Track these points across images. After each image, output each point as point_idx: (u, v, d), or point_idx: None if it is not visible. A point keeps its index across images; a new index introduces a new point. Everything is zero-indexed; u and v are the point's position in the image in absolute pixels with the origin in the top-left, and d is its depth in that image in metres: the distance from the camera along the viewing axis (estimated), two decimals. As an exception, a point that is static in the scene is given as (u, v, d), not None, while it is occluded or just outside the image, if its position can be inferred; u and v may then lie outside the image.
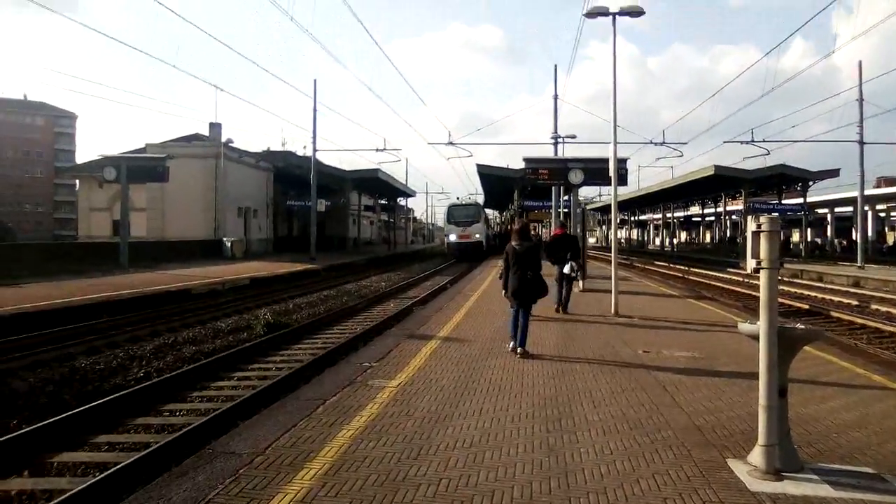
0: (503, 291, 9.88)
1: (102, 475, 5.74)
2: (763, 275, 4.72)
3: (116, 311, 15.72)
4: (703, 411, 6.39)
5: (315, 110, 38.12)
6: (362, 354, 9.60)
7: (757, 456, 4.73)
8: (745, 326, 5.20)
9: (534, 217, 46.80)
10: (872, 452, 5.26)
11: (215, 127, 45.08)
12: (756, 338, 4.82)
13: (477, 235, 45.40)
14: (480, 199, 62.79)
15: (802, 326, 5.27)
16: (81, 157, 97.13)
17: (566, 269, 13.86)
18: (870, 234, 52.32)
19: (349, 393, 7.02)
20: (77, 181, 48.82)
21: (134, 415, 7.93)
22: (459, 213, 47.43)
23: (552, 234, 15.01)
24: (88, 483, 5.54)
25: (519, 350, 9.23)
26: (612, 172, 14.38)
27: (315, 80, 52.15)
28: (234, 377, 10.13)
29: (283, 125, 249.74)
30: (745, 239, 46.67)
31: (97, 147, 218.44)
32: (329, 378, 8.01)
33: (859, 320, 17.34)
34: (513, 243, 9.71)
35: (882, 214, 65.49)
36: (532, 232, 14.29)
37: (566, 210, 29.49)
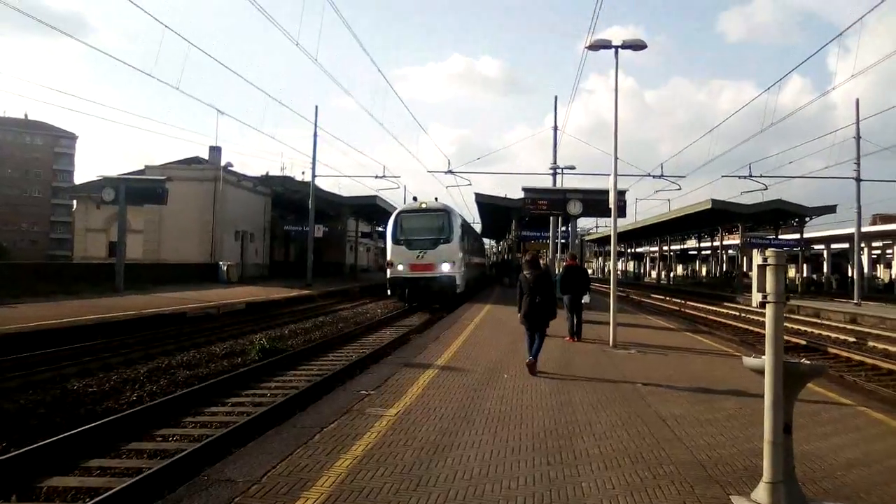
0: (519, 316, 10.64)
1: (93, 502, 5.62)
2: (769, 309, 4.69)
3: (111, 333, 15.59)
4: (704, 446, 6.31)
5: (315, 136, 38.23)
6: (359, 382, 9.50)
7: (761, 493, 4.65)
8: (750, 361, 5.15)
9: (531, 247, 46.15)
10: (879, 492, 5.18)
11: (215, 150, 45.26)
12: (761, 372, 4.77)
13: (445, 266, 25.63)
14: (478, 228, 61.05)
15: (808, 362, 5.22)
16: (80, 177, 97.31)
17: (585, 299, 14.31)
18: (866, 270, 52.43)
19: (346, 421, 6.93)
20: (74, 202, 48.84)
21: (127, 439, 7.80)
22: (414, 226, 26.72)
23: (564, 265, 15.19)
24: (79, 509, 5.41)
25: (529, 359, 10.06)
26: (612, 204, 14.41)
27: (316, 107, 52.57)
28: (228, 403, 9.99)
29: (284, 150, 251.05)
30: (741, 274, 46.76)
31: (96, 168, 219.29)
32: (326, 406, 7.90)
33: (857, 357, 17.29)
34: (525, 273, 10.75)
35: (877, 252, 65.75)
36: (542, 260, 14.76)
37: (564, 241, 29.52)
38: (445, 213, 27.28)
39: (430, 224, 26.67)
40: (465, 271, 28.85)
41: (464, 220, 30.90)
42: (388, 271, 26.33)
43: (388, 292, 27.31)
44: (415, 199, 30.57)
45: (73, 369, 11.77)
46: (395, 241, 26.34)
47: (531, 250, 19.61)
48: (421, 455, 5.78)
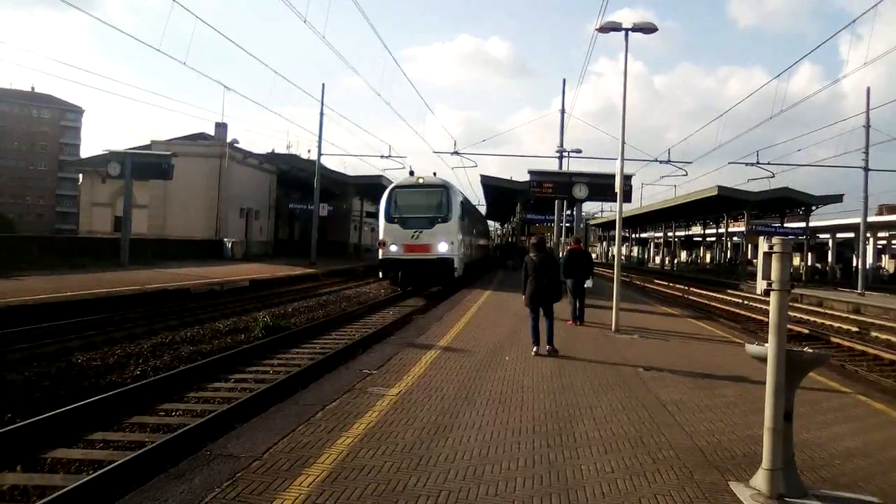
0: (524, 297, 10.77)
1: (96, 473, 5.67)
2: (773, 297, 4.68)
3: (115, 307, 15.66)
4: (704, 432, 6.33)
5: (322, 114, 38.08)
6: (361, 361, 9.53)
7: (760, 480, 4.67)
8: (752, 348, 5.15)
9: (535, 231, 45.79)
10: (878, 481, 5.20)
11: (221, 127, 45.16)
12: (763, 360, 4.77)
13: (443, 246, 23.58)
14: (483, 210, 60.71)
15: (810, 350, 5.22)
16: (86, 151, 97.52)
17: (588, 283, 14.32)
18: (870, 260, 52.27)
19: (348, 400, 6.97)
20: (80, 176, 48.84)
21: (130, 413, 7.86)
22: (410, 203, 24.38)
23: (568, 249, 15.19)
24: (82, 481, 5.46)
25: (548, 348, 10.33)
26: (618, 189, 14.35)
27: (323, 84, 52.16)
28: (231, 379, 10.04)
29: (290, 128, 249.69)
30: (745, 261, 46.61)
31: (102, 142, 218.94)
32: (328, 384, 7.93)
33: (859, 347, 17.28)
34: (531, 255, 10.81)
35: (883, 242, 65.51)
36: (548, 244, 14.78)
37: (569, 224, 29.47)
38: (444, 189, 24.72)
39: (427, 201, 24.30)
40: (466, 253, 26.86)
41: (465, 199, 28.56)
42: (380, 252, 23.96)
43: (380, 275, 25.04)
44: (411, 173, 26.88)
45: (77, 343, 11.84)
46: (389, 219, 24.03)
47: (537, 234, 19.74)
48: (422, 434, 5.81)
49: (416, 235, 23.50)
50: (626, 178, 16.53)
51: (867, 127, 33.65)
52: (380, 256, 23.99)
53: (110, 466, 5.81)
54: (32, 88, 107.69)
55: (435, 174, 26.52)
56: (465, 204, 27.89)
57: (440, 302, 19.70)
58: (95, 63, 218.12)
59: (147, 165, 29.69)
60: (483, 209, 60.01)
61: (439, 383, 7.97)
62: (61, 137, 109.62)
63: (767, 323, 4.80)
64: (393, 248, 23.58)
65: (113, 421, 7.53)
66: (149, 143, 41.89)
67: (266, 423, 6.11)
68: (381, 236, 24.17)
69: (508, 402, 7.20)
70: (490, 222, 72.78)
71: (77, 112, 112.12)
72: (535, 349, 10.34)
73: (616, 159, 14.68)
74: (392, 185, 25.86)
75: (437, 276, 24.32)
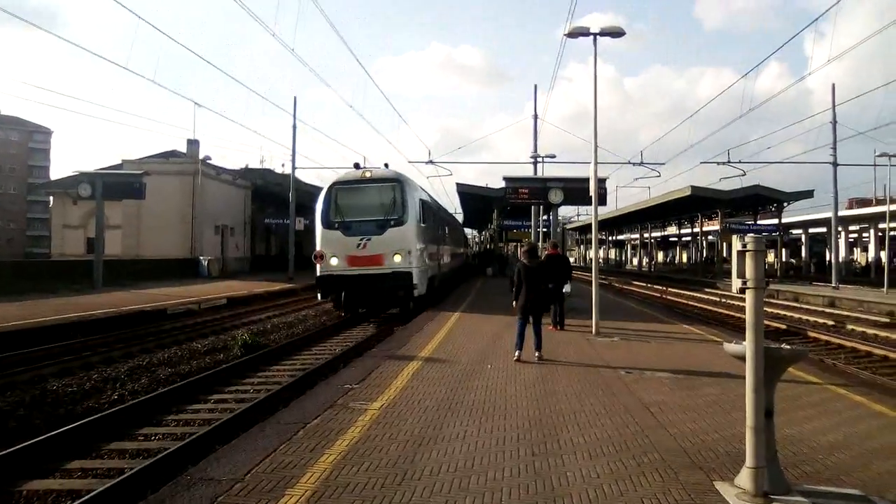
0: (514, 303, 10.75)
1: None
2: (749, 294, 4.71)
3: (90, 331, 15.40)
4: (687, 433, 6.35)
5: (294, 127, 37.99)
6: (343, 376, 9.46)
7: (744, 478, 4.68)
8: (730, 347, 5.18)
9: (513, 237, 45.87)
10: (859, 474, 5.24)
11: (193, 143, 44.79)
12: (742, 358, 4.80)
13: (397, 258, 18.59)
14: (460, 218, 60.58)
15: (788, 347, 5.26)
16: (56, 173, 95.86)
17: (566, 289, 14.37)
18: (843, 254, 53.15)
19: (330, 416, 6.89)
20: (51, 198, 48.12)
21: (108, 439, 7.70)
22: (354, 203, 19.40)
23: (545, 254, 15.15)
24: (59, 511, 5.33)
25: (536, 354, 10.40)
26: (592, 192, 14.44)
27: (295, 98, 52.15)
28: (210, 400, 9.90)
29: (263, 143, 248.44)
30: (721, 260, 47.09)
31: (72, 163, 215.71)
32: (309, 401, 7.85)
33: (836, 340, 17.53)
34: (524, 261, 10.88)
35: (854, 236, 66.64)
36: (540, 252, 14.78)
37: (545, 230, 29.59)
38: (397, 184, 19.35)
39: (376, 200, 19.16)
40: (430, 265, 21.86)
41: (427, 197, 23.71)
42: (318, 267, 18.74)
43: (319, 296, 19.99)
44: (357, 165, 20.84)
45: (52, 369, 11.61)
46: (327, 225, 18.85)
47: (527, 241, 19.37)
48: (406, 448, 5.76)
49: (363, 244, 18.36)
50: (601, 182, 16.64)
51: (834, 123, 34.31)
52: (317, 272, 18.83)
53: (88, 496, 5.67)
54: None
55: (387, 165, 21.16)
56: (428, 203, 22.53)
57: (421, 311, 18.97)
58: (62, 83, 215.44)
59: (119, 185, 29.36)
60: (460, 217, 59.96)
61: (422, 395, 7.92)
62: (30, 160, 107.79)
63: (745, 320, 4.83)
64: (333, 261, 18.46)
65: (90, 448, 7.38)
66: (120, 162, 41.42)
67: (247, 443, 6.02)
68: (317, 247, 19.03)
69: (492, 411, 7.17)
70: (468, 230, 72.80)
71: (45, 133, 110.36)
72: (517, 354, 10.35)
73: (590, 163, 14.77)
74: (331, 182, 20.13)
75: (392, 296, 18.95)
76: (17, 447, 6.88)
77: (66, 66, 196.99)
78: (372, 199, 19.23)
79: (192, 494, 4.69)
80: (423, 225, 20.11)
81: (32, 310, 17.26)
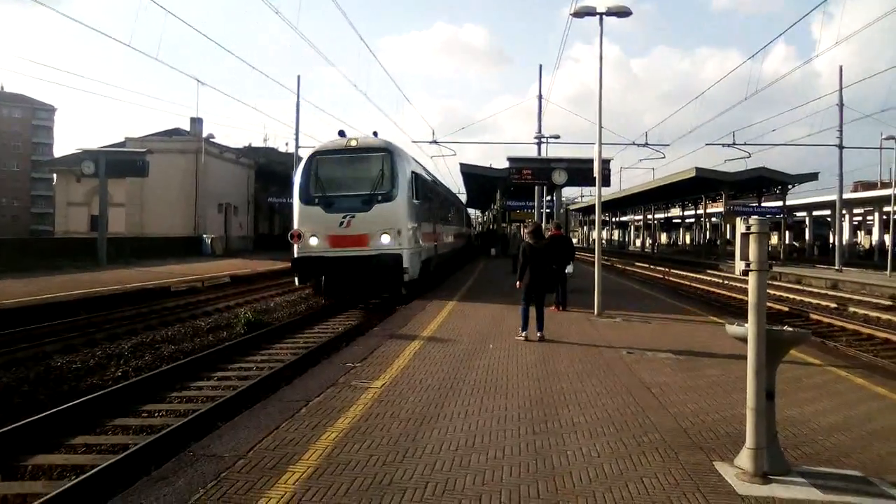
0: (518, 283, 10.80)
1: (79, 479, 5.59)
2: (752, 277, 4.70)
3: (94, 308, 15.47)
4: (688, 413, 6.37)
5: (298, 106, 37.69)
6: (345, 354, 9.48)
7: (744, 459, 4.71)
8: (732, 329, 5.18)
9: (516, 217, 45.68)
10: (858, 455, 5.27)
11: (196, 122, 44.68)
12: (744, 340, 4.81)
13: (384, 238, 16.64)
14: (464, 198, 60.24)
15: (790, 329, 5.27)
16: (59, 150, 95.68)
17: (569, 270, 14.25)
18: (846, 236, 53.00)
19: (332, 394, 6.92)
20: (55, 175, 48.13)
21: (112, 415, 7.75)
22: (336, 176, 17.49)
23: (548, 235, 15.10)
24: (65, 487, 5.38)
25: (539, 334, 10.42)
26: (596, 173, 14.39)
27: (298, 76, 51.73)
28: (214, 377, 9.96)
29: (266, 121, 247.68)
30: (724, 242, 46.99)
31: (76, 140, 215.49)
32: (312, 379, 7.89)
33: (839, 322, 17.54)
34: (530, 241, 10.84)
35: (859, 219, 66.39)
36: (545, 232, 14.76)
37: (549, 210, 29.55)
38: (386, 154, 17.11)
39: (362, 172, 17.06)
40: (425, 246, 19.43)
41: (422, 170, 21.42)
42: (296, 248, 16.62)
43: (296, 280, 17.76)
44: (341, 133, 18.24)
45: (56, 346, 11.68)
46: (307, 200, 16.68)
47: (531, 221, 19.19)
48: (407, 427, 5.80)
49: (346, 222, 16.28)
50: (605, 163, 16.59)
51: (840, 105, 34.06)
52: (294, 254, 16.69)
53: (93, 471, 5.72)
54: (1, 88, 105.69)
55: (376, 134, 18.51)
56: (422, 177, 20.04)
57: (426, 292, 18.91)
58: (65, 60, 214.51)
59: (121, 163, 29.37)
60: (463, 197, 59.83)
61: (424, 374, 7.95)
62: (34, 137, 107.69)
63: (748, 302, 4.83)
64: (313, 240, 16.38)
65: (95, 424, 7.44)
66: (123, 140, 41.37)
67: (250, 420, 6.05)
68: (295, 225, 16.84)
69: (493, 390, 7.20)
70: (471, 210, 72.65)
71: (49, 111, 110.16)
72: (523, 334, 10.44)
73: (594, 144, 14.70)
74: (312, 153, 17.92)
75: (380, 280, 16.83)
76: (22, 422, 6.93)
77: (69, 44, 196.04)
78: (357, 171, 17.21)
79: (196, 470, 4.73)
80: (416, 201, 18.02)
81: (36, 287, 17.34)
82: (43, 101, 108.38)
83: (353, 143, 17.37)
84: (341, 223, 16.29)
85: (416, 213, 18.13)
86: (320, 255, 16.28)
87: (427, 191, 20.92)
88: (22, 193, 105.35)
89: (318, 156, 17.36)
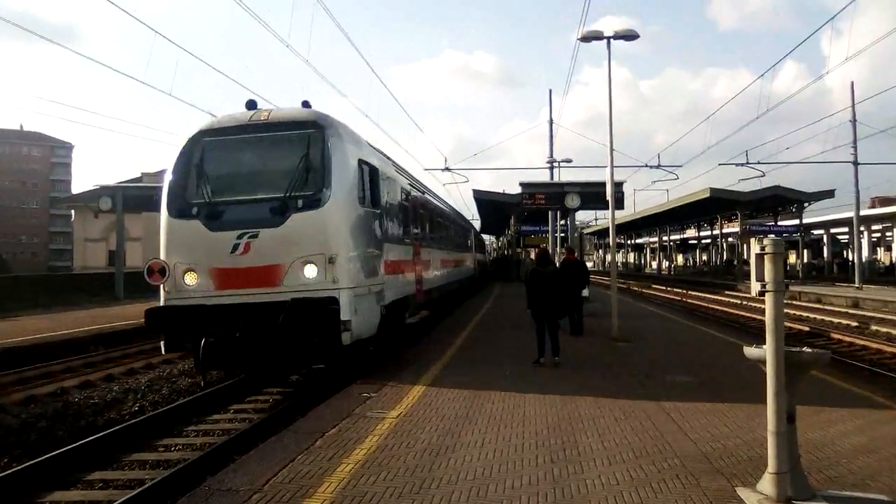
0: (528, 311, 10.76)
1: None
2: (768, 297, 4.64)
3: (111, 343, 15.55)
4: (708, 438, 6.26)
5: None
6: (360, 385, 9.43)
7: (767, 484, 4.61)
8: (751, 351, 5.10)
9: (530, 242, 45.66)
10: (885, 479, 5.13)
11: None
12: (762, 362, 4.73)
13: (309, 270, 9.28)
14: (477, 225, 59.77)
15: (809, 350, 5.18)
16: (77, 187, 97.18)
17: (585, 293, 14.19)
18: (866, 253, 52.43)
19: (348, 425, 6.88)
20: (73, 211, 48.83)
21: (129, 450, 7.75)
22: (230, 170, 10.18)
23: (562, 260, 15.05)
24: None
25: (556, 360, 10.39)
26: (609, 196, 14.36)
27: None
28: (230, 410, 9.92)
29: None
30: (741, 262, 46.64)
31: (93, 177, 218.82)
32: (327, 410, 7.84)
33: (860, 342, 17.24)
34: (537, 267, 10.99)
35: (877, 235, 65.69)
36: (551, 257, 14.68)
37: (563, 235, 29.49)
38: (316, 131, 10.07)
39: (273, 162, 10.30)
40: (384, 282, 11.36)
41: (385, 162, 13.10)
42: (162, 291, 9.81)
43: (163, 347, 9.90)
44: (251, 104, 10.86)
45: (73, 381, 11.73)
46: (179, 212, 10.07)
47: (540, 246, 19.16)
48: (423, 457, 5.74)
49: (244, 246, 9.44)
50: (618, 185, 16.60)
51: (853, 122, 33.90)
52: (161, 300, 9.84)
53: (109, 507, 5.70)
54: (21, 126, 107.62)
55: (307, 104, 11.04)
56: (383, 173, 12.07)
57: (437, 323, 18.91)
58: (82, 98, 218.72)
59: (138, 198, 29.69)
60: (477, 224, 59.70)
61: (439, 404, 7.89)
62: (52, 174, 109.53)
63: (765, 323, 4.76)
64: (188, 278, 9.67)
65: (111, 459, 7.43)
66: (139, 175, 41.95)
67: (265, 453, 6.03)
68: (161, 252, 10.07)
69: (509, 418, 7.13)
70: (485, 236, 72.51)
71: (67, 148, 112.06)
72: (541, 360, 10.39)
73: (606, 167, 14.70)
74: (195, 132, 10.53)
75: (298, 343, 9.41)
76: (40, 459, 6.94)
77: (85, 82, 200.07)
78: (264, 161, 10.41)
79: (211, 505, 4.69)
80: (369, 209, 10.87)
81: (55, 323, 17.53)
82: (61, 139, 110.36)
83: (263, 117, 10.43)
84: (235, 248, 9.44)
85: (370, 227, 10.92)
86: (199, 304, 9.42)
87: (396, 194, 13.45)
88: (41, 230, 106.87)
89: (204, 138, 10.42)
